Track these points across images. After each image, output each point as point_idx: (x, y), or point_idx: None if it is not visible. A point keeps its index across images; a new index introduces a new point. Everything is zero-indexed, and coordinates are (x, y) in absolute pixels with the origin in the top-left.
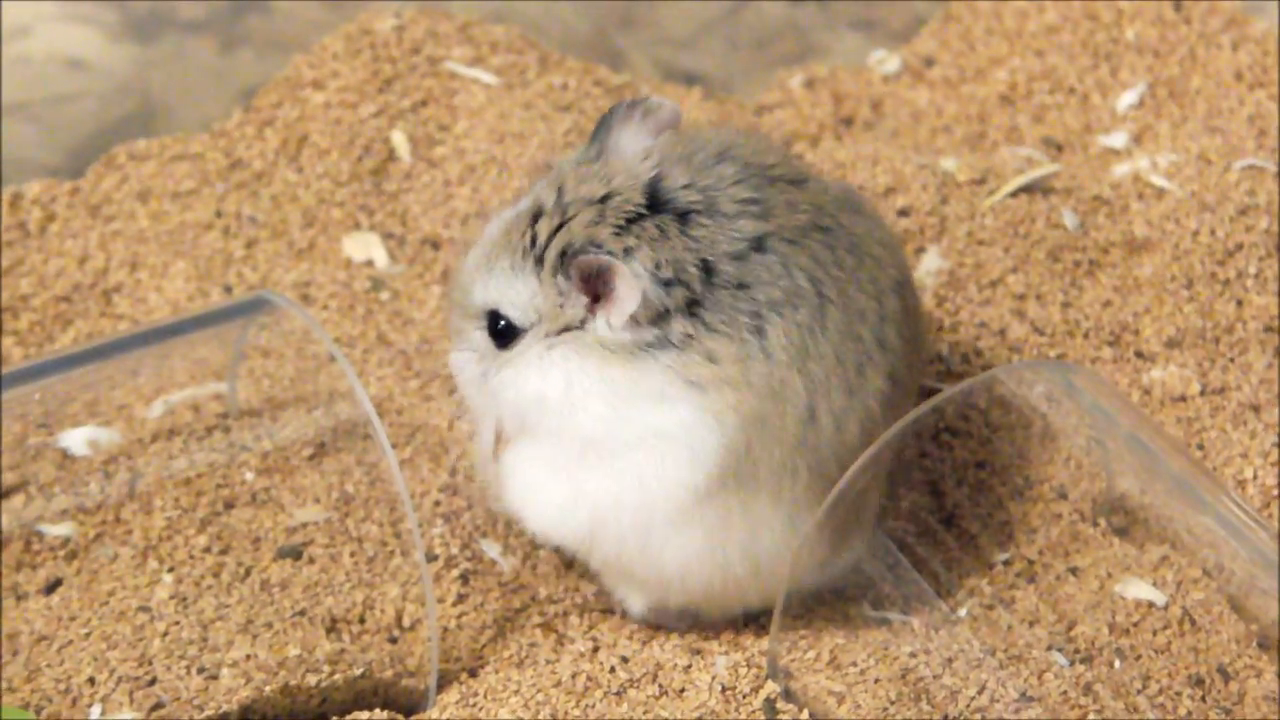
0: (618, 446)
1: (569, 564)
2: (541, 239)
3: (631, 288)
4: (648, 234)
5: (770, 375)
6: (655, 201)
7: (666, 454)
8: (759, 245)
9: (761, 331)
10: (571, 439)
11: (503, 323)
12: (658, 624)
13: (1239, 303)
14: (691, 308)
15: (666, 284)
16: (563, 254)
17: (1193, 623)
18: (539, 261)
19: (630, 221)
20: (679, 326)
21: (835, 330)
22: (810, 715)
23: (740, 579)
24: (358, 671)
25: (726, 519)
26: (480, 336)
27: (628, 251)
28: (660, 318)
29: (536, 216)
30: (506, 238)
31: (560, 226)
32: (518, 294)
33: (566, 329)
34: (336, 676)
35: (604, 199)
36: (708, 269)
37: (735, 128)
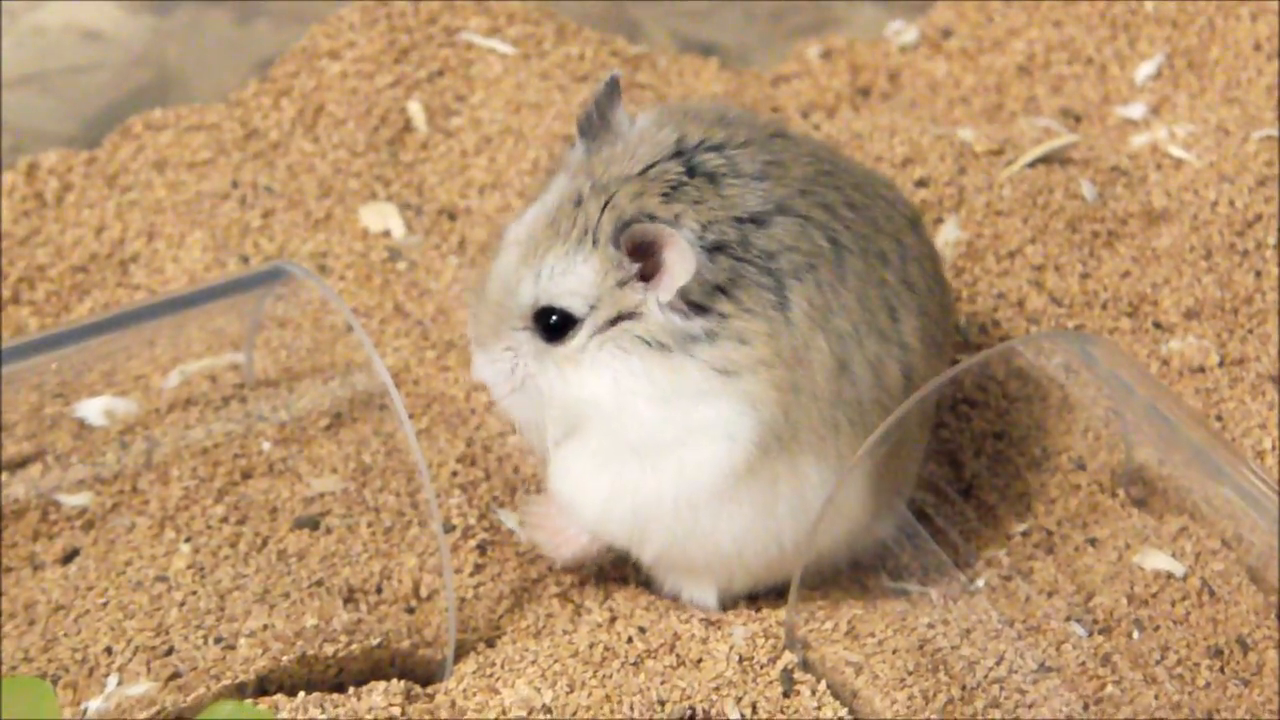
0: (659, 445)
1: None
2: (594, 218)
3: (684, 255)
4: (690, 198)
5: (794, 343)
6: (689, 168)
7: (705, 445)
8: (781, 207)
9: (785, 303)
10: (617, 439)
11: (555, 317)
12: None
13: (1258, 274)
14: (729, 286)
15: (712, 250)
16: (616, 227)
17: (1211, 594)
18: (595, 242)
19: (674, 189)
20: (717, 307)
21: (856, 279)
22: (827, 685)
23: (794, 544)
24: (375, 642)
25: (773, 487)
26: (524, 337)
27: (677, 218)
28: (703, 301)
29: (578, 203)
30: (551, 230)
31: (607, 204)
32: (579, 279)
33: (620, 317)
34: (353, 646)
35: (642, 173)
36: (741, 229)
37: (718, 97)
